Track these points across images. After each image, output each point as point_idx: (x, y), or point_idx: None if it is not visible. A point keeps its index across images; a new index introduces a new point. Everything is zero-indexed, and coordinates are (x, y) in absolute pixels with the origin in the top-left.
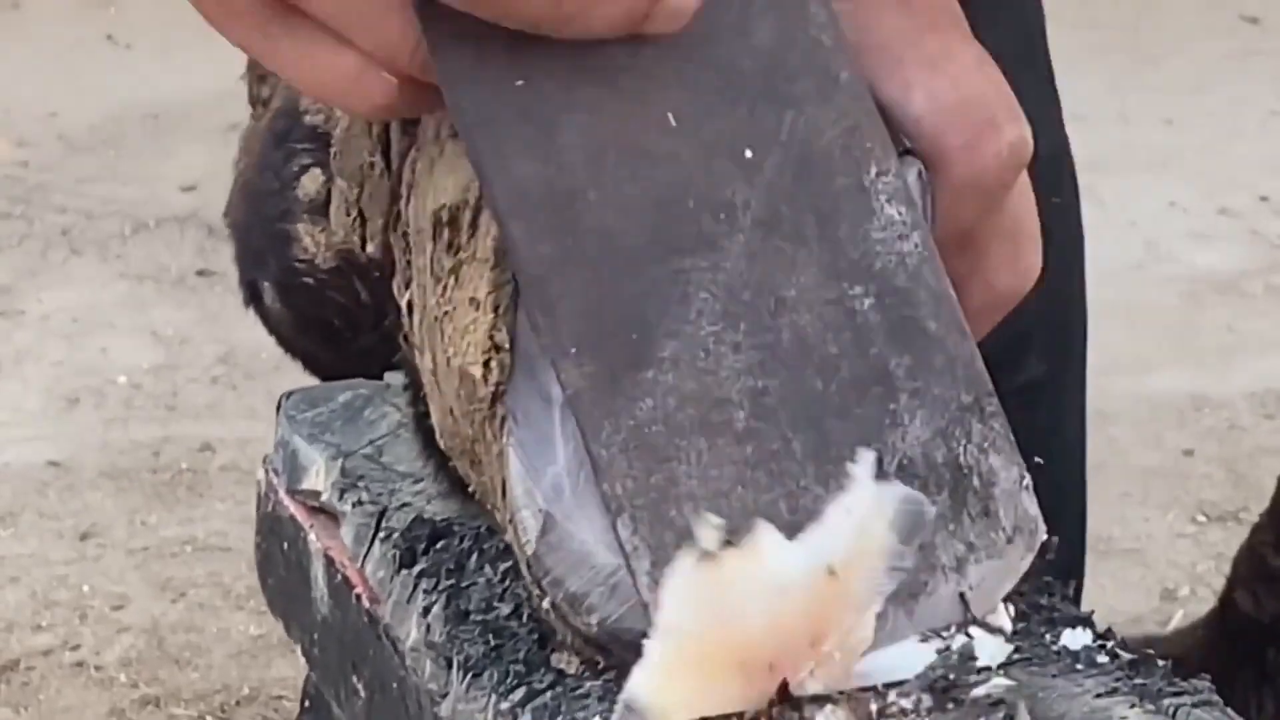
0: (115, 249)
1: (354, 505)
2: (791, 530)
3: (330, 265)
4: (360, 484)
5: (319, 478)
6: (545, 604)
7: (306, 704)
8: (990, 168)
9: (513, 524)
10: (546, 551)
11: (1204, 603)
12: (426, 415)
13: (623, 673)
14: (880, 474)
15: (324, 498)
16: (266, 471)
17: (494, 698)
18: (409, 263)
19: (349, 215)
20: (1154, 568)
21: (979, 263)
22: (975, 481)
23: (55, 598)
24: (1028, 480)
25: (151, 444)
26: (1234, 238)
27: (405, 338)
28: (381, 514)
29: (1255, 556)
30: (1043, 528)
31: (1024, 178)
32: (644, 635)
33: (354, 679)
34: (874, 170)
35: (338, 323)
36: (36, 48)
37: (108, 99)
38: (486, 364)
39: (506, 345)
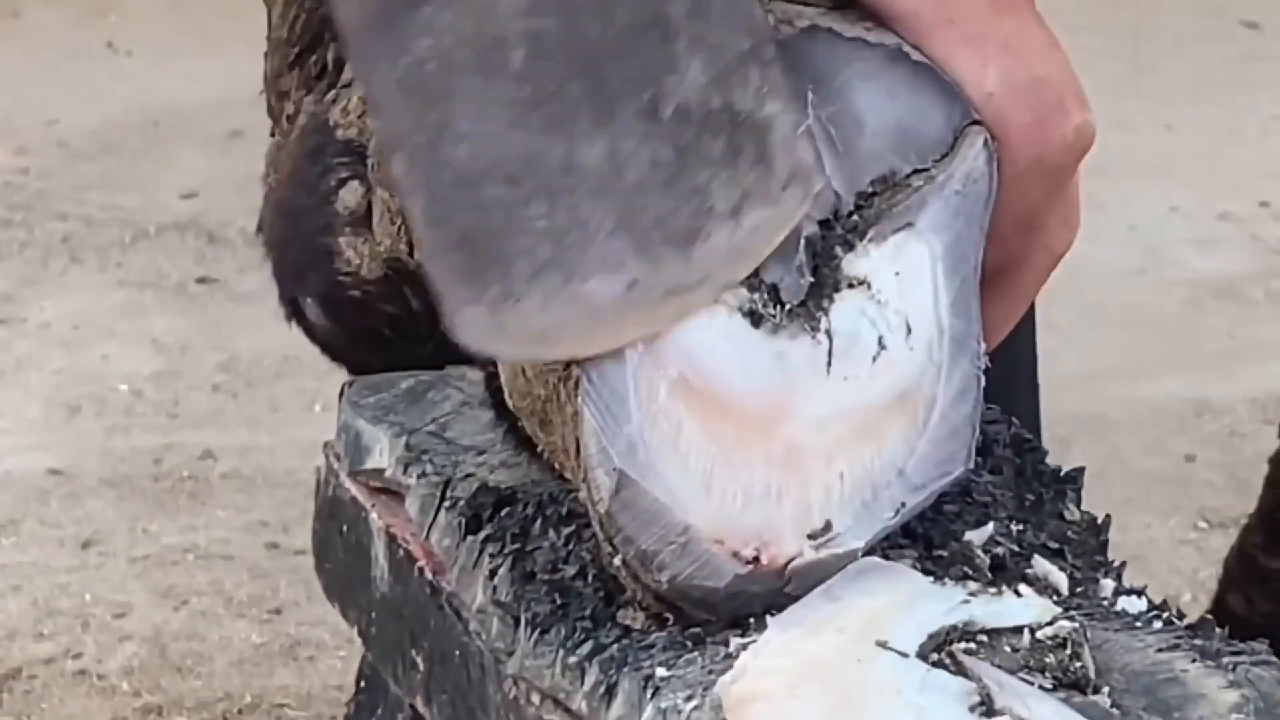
0: (116, 256)
1: (419, 477)
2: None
3: (377, 275)
4: (424, 458)
5: (383, 456)
6: (617, 560)
7: (361, 684)
8: (1056, 149)
9: (587, 482)
10: (620, 509)
11: (1206, 609)
12: (495, 377)
13: (688, 627)
14: (652, 114)
15: (388, 474)
16: (327, 457)
17: (561, 652)
18: None
19: (394, 223)
20: (1156, 574)
21: (1040, 234)
22: (752, 128)
23: (57, 606)
24: (805, 127)
25: (153, 452)
26: (1234, 243)
27: None
28: (446, 484)
29: (1246, 558)
30: (818, 176)
31: None
32: (713, 591)
33: (413, 653)
34: None
35: (389, 333)
36: (37, 55)
37: (108, 106)
38: None
39: None
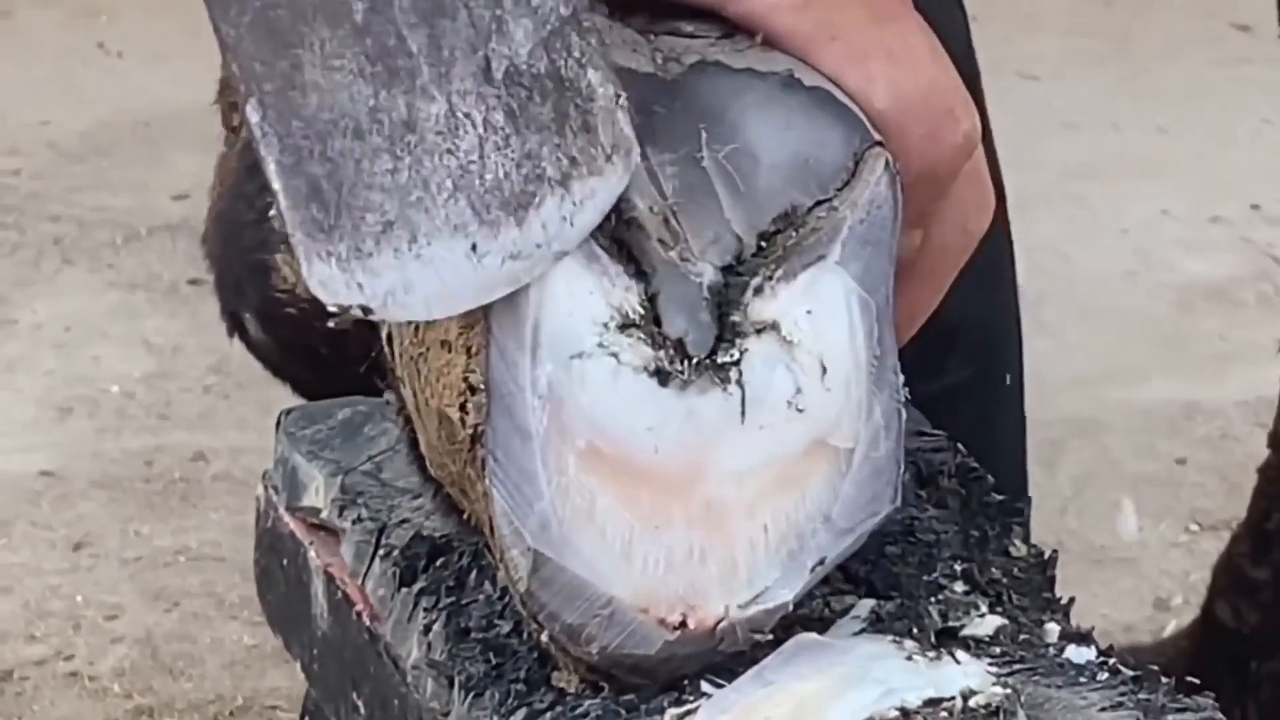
0: (107, 258)
1: (354, 522)
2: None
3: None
4: (360, 500)
5: (318, 495)
6: (544, 637)
7: None
8: (946, 157)
9: (504, 562)
10: (539, 587)
11: (1197, 612)
12: (416, 443)
13: (623, 692)
14: (486, 75)
15: (324, 514)
16: (266, 488)
17: (496, 717)
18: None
19: None
20: (1147, 577)
21: (929, 237)
22: (576, 96)
23: (48, 608)
24: (623, 99)
25: (144, 453)
26: (1226, 246)
27: (390, 369)
28: (381, 530)
29: (1234, 568)
30: (637, 149)
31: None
32: (645, 658)
33: (354, 696)
34: None
35: (325, 351)
36: (27, 57)
37: (99, 107)
38: (463, 406)
39: (481, 386)
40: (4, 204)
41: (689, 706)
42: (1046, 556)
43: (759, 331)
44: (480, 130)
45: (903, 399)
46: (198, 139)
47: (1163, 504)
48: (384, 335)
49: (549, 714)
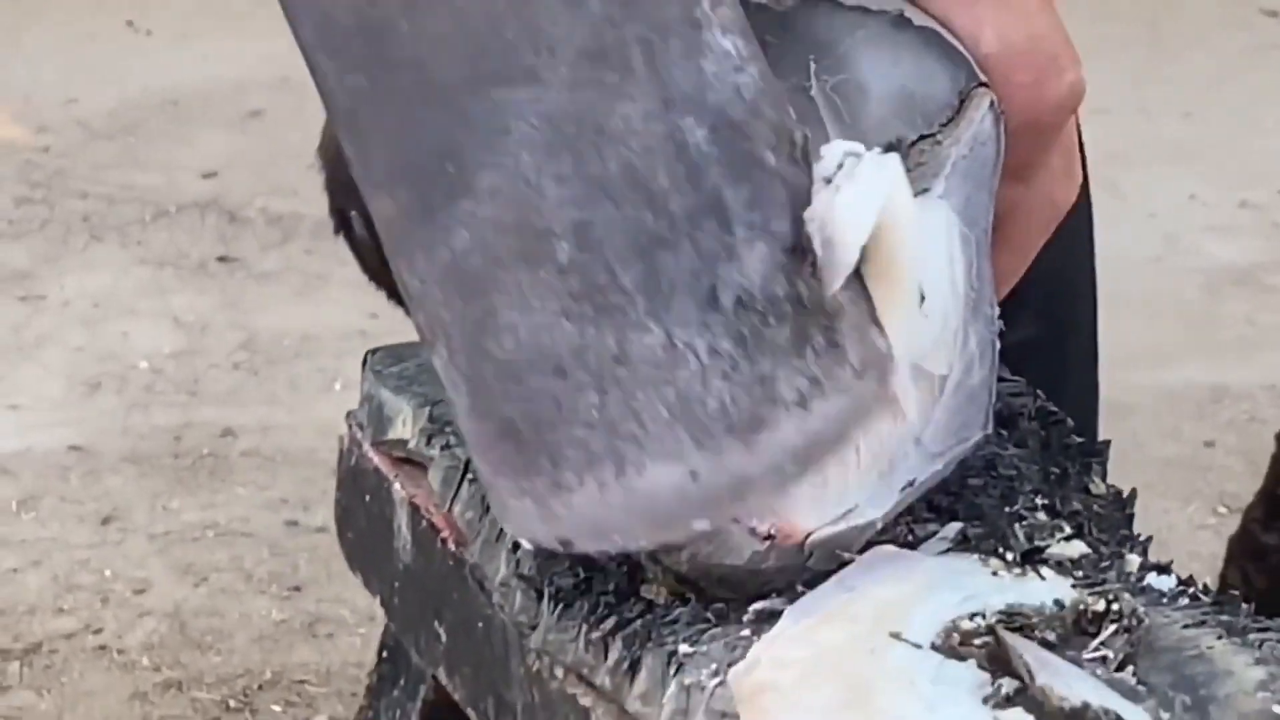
0: (136, 235)
1: (442, 449)
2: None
3: None
4: (448, 429)
5: (405, 426)
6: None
7: (384, 654)
8: (1050, 107)
9: None
10: None
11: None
12: None
13: (711, 602)
14: (711, 303)
15: (411, 445)
16: (350, 427)
17: (585, 627)
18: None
19: None
20: (1175, 559)
21: (1036, 184)
22: (820, 315)
23: (77, 581)
24: (876, 315)
25: (173, 429)
26: (1254, 230)
27: None
28: (469, 458)
29: (1246, 533)
30: (894, 364)
31: None
32: (734, 569)
33: (436, 624)
34: (707, 1)
35: None
36: (56, 35)
37: (127, 86)
38: None
39: None
40: (32, 180)
41: (772, 608)
42: (1125, 495)
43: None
44: (703, 358)
45: (997, 331)
46: (225, 117)
47: (1191, 486)
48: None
49: (638, 623)
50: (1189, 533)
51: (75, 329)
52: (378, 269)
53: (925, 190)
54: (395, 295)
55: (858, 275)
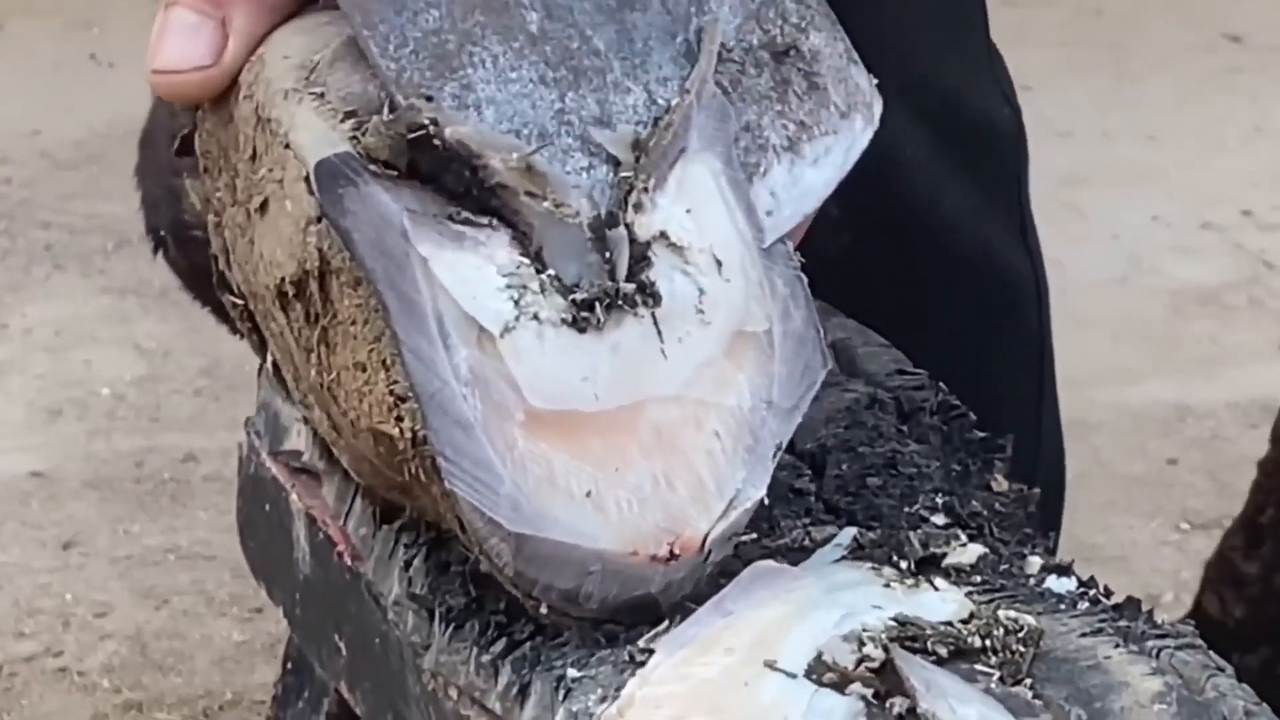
0: (98, 264)
1: (335, 462)
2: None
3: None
4: None
5: (300, 438)
6: (542, 609)
7: (289, 666)
8: None
9: (483, 553)
10: (527, 565)
11: (1187, 609)
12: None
13: (599, 623)
14: (688, 53)
15: (306, 458)
16: (249, 434)
17: (475, 650)
18: (253, 327)
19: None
20: (1138, 575)
21: None
22: (798, 61)
23: (38, 605)
24: (854, 54)
25: (135, 454)
26: (1217, 251)
27: (295, 399)
28: None
29: (1224, 561)
30: (878, 99)
31: None
32: (646, 596)
33: (336, 638)
34: None
35: None
36: (20, 67)
37: (91, 117)
38: (398, 418)
39: (409, 393)
40: None
41: (649, 639)
42: (1027, 493)
43: (649, 246)
44: None
45: (797, 264)
46: None
47: (1154, 504)
48: (269, 363)
49: (528, 644)
50: (1152, 549)
51: (38, 356)
52: (192, 286)
53: (683, 150)
54: (220, 311)
55: (831, 20)
